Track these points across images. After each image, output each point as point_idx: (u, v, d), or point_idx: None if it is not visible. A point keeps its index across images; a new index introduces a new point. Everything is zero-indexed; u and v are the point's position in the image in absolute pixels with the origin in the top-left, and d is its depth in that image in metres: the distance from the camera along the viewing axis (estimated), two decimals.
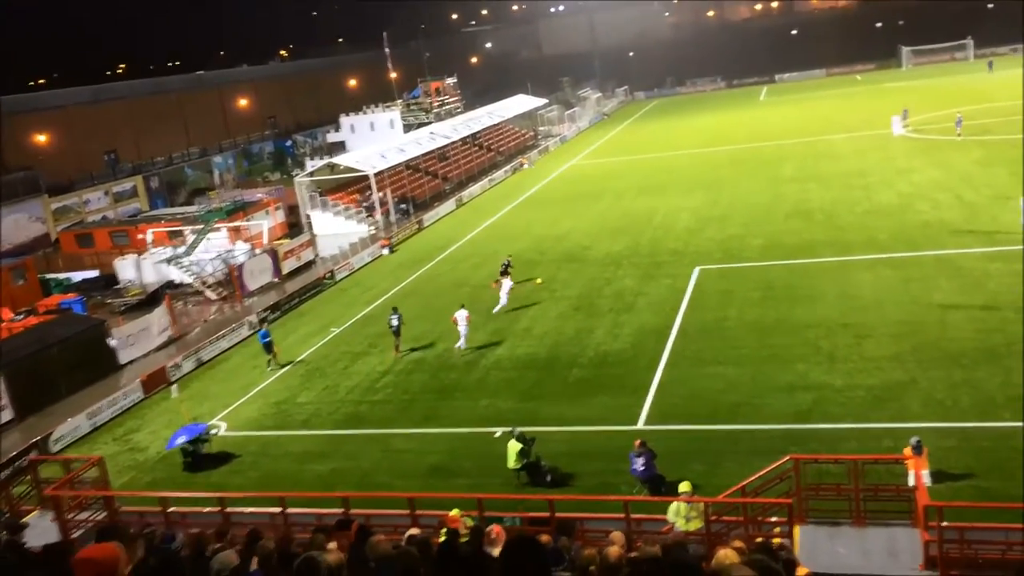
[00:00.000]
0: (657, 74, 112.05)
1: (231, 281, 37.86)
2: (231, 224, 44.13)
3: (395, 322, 27.40)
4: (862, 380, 20.72)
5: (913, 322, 23.68)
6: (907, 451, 14.96)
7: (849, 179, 42.50)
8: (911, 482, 14.32)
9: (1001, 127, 49.96)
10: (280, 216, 50.06)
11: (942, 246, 29.87)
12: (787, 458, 14.19)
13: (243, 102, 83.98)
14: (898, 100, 66.46)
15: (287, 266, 40.88)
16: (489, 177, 59.60)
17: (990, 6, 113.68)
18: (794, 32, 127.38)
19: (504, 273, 31.10)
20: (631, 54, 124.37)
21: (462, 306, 27.45)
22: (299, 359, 28.84)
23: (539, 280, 32.65)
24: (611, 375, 23.57)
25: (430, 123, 68.99)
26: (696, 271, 31.40)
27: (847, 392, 20.24)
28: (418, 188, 55.13)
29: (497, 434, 20.42)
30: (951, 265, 27.87)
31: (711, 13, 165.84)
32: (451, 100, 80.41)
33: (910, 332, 23.03)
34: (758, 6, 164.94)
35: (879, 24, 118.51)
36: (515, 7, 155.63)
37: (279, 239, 45.49)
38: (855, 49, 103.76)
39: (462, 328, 26.55)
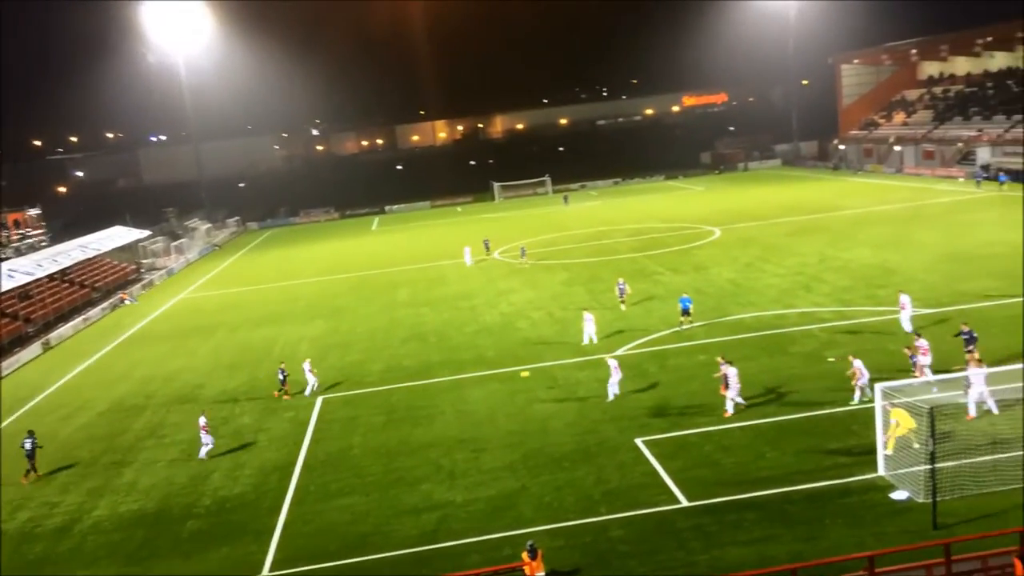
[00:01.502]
0: (270, 204, 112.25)
1: None
2: None
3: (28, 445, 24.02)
4: (481, 493, 21.63)
5: (521, 432, 25.50)
6: (524, 556, 15.74)
7: (458, 302, 45.52)
8: None
9: (578, 252, 57.57)
10: None
11: (541, 359, 32.90)
12: None
13: None
14: (491, 229, 73.64)
15: None
16: (84, 316, 53.89)
17: (560, 149, 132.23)
18: (399, 167, 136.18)
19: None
20: (241, 184, 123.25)
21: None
22: None
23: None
24: (231, 522, 21.88)
25: (6, 259, 61.19)
26: (319, 401, 30.93)
27: (468, 507, 20.94)
28: None
29: None
30: (549, 376, 30.74)
31: (320, 147, 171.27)
32: (34, 233, 72.39)
33: (520, 441, 24.73)
34: (364, 142, 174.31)
35: (473, 162, 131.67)
36: (110, 134, 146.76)
37: None
38: (455, 183, 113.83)
39: None
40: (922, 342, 25.48)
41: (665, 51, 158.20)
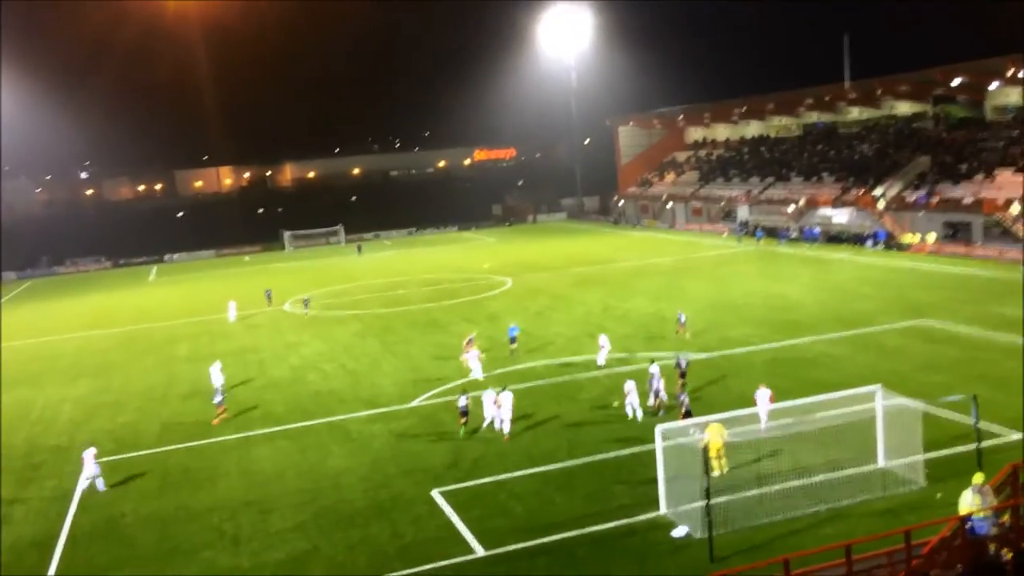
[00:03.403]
0: (30, 253, 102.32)
1: None
2: None
3: None
4: (269, 557, 20.49)
5: (312, 489, 24.53)
6: None
7: (244, 355, 43.45)
8: None
9: (371, 302, 57.01)
10: None
11: (332, 413, 31.98)
12: None
13: None
14: (282, 279, 71.46)
15: None
16: None
17: (353, 199, 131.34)
18: (181, 214, 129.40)
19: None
20: None
21: None
22: None
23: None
24: None
25: None
26: None
27: (255, 573, 19.76)
28: None
29: None
30: (341, 430, 29.92)
31: (90, 192, 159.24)
32: None
33: (310, 500, 23.76)
34: (141, 187, 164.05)
35: (261, 210, 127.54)
36: None
37: None
38: (242, 232, 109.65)
39: None
40: (654, 368, 29.02)
41: (456, 106, 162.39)
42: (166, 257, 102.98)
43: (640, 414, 27.98)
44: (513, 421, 27.79)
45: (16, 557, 21.83)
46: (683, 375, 30.10)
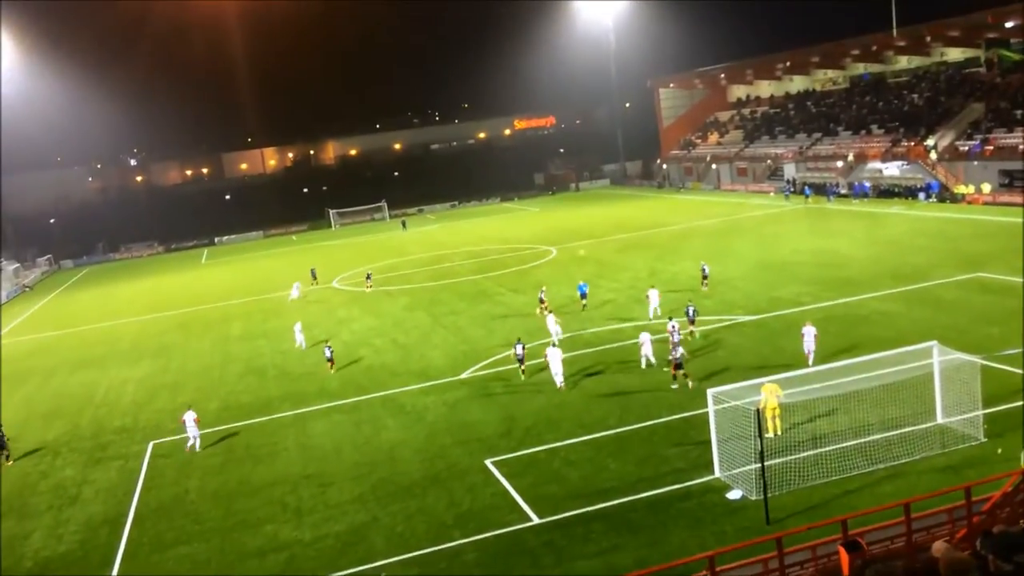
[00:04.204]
0: (86, 241, 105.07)
1: None
2: None
3: None
4: (330, 528, 21.00)
5: (369, 462, 25.00)
6: None
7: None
8: None
9: (418, 276, 57.44)
10: None
11: (385, 387, 32.43)
12: None
13: None
14: (329, 256, 72.35)
15: None
16: None
17: (395, 174, 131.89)
18: (228, 196, 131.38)
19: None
20: (52, 220, 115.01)
21: None
22: None
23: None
24: None
25: None
26: (150, 446, 29.10)
27: (317, 544, 20.28)
28: None
29: None
30: (395, 404, 30.36)
31: (140, 178, 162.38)
32: None
33: (367, 472, 24.23)
34: (188, 171, 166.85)
35: (305, 189, 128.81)
36: None
37: None
38: (288, 212, 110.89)
39: None
40: (673, 324, 30.71)
41: (494, 76, 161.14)
42: (216, 240, 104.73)
43: (654, 362, 29.53)
44: (565, 378, 29.35)
45: (89, 534, 22.71)
46: (692, 321, 33.61)
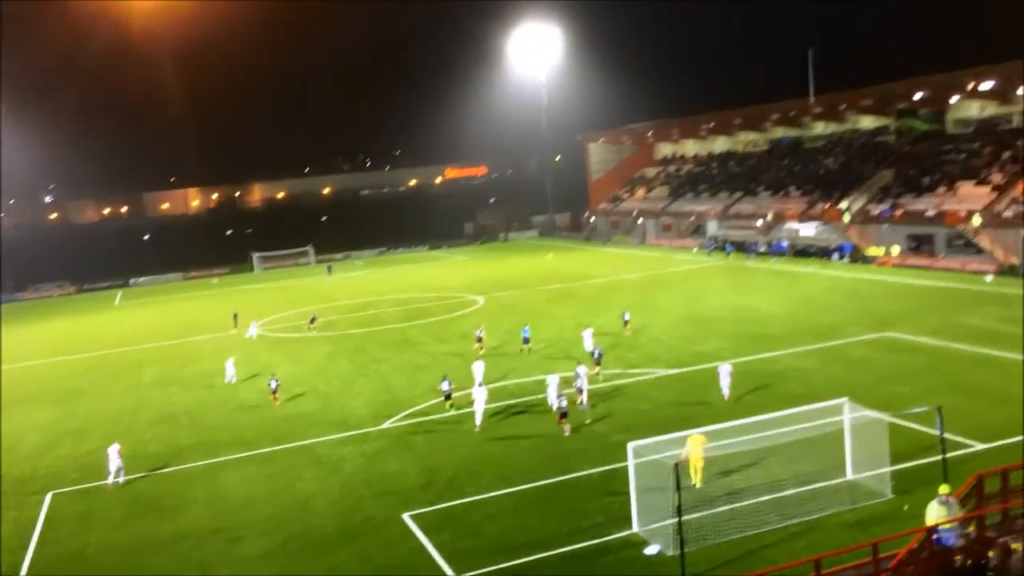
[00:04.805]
0: None
1: None
2: None
3: None
4: None
5: (282, 515, 24.18)
6: None
7: (213, 379, 42.85)
8: None
9: (343, 323, 56.64)
10: None
11: (303, 436, 31.60)
12: None
13: None
14: (251, 301, 70.83)
15: None
16: None
17: (323, 219, 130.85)
18: (147, 237, 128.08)
19: None
20: None
21: None
22: None
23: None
24: None
25: None
26: (49, 497, 27.60)
27: None
28: None
29: None
30: (311, 454, 29.57)
31: (54, 215, 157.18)
32: None
33: (279, 526, 23.42)
34: (106, 210, 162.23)
35: (229, 232, 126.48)
36: None
37: None
38: (210, 254, 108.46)
39: None
40: (582, 369, 32.30)
41: (428, 124, 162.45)
42: (132, 281, 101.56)
43: (564, 403, 29.35)
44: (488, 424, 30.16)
45: None
46: (598, 363, 35.66)
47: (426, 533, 21.97)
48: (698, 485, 22.47)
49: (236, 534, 23.18)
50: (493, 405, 31.98)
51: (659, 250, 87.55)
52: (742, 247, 76.19)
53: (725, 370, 31.25)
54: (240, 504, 25.46)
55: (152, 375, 45.86)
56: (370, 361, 43.88)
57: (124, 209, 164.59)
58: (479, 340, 43.25)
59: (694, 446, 22.37)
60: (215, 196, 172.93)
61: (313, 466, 28.29)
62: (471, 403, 30.97)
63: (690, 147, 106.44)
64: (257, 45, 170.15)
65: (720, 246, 78.51)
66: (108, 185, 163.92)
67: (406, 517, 23.11)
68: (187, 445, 32.03)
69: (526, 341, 42.50)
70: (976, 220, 58.50)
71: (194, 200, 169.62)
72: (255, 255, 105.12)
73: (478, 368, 35.42)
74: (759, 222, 78.60)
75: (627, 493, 21.22)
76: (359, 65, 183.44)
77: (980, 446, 24.26)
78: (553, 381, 31.71)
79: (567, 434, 28.38)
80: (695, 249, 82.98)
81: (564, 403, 29.05)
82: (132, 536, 23.83)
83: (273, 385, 36.62)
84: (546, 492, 24.07)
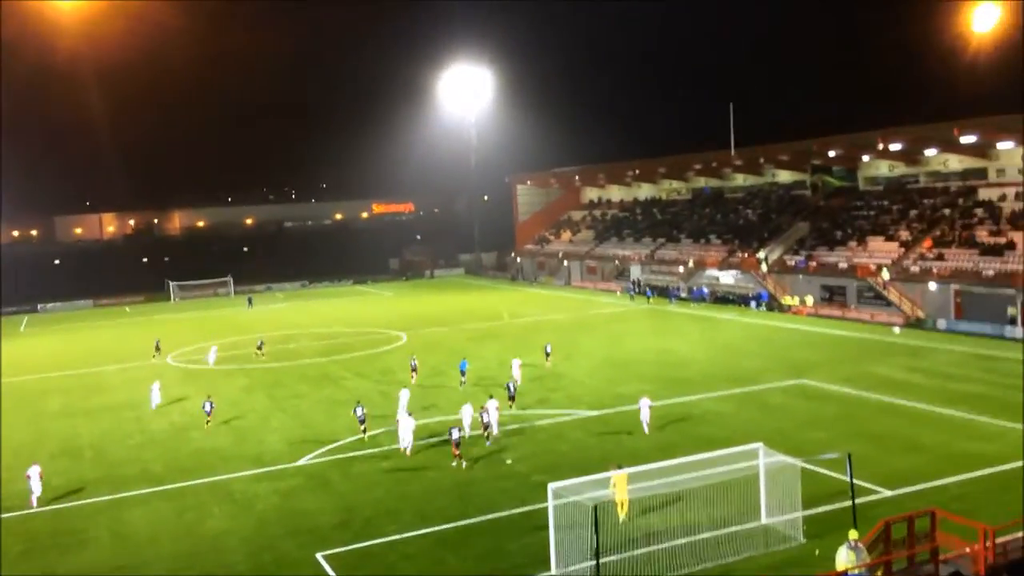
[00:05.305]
0: None
1: None
2: None
3: None
4: None
5: (190, 554, 23.27)
6: None
7: (121, 411, 41.27)
8: None
9: (261, 356, 55.28)
10: None
11: (215, 472, 30.60)
12: None
13: None
14: (167, 331, 68.62)
15: None
16: None
17: (245, 249, 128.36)
18: (57, 261, 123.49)
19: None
20: None
21: None
22: None
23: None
24: None
25: None
26: None
27: None
28: None
29: None
30: (223, 490, 28.62)
31: None
32: None
33: (186, 565, 22.52)
34: (15, 232, 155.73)
35: (145, 259, 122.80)
36: None
37: None
38: (124, 281, 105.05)
39: None
40: (492, 403, 33.06)
41: (355, 158, 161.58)
42: (39, 306, 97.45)
43: (468, 433, 32.04)
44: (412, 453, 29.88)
45: None
46: (512, 398, 36.97)
47: (339, 573, 21.44)
48: (623, 518, 22.84)
49: (140, 572, 22.20)
50: (417, 442, 31.60)
51: (583, 292, 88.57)
52: (664, 292, 77.67)
53: (645, 404, 32.99)
54: (146, 541, 24.40)
55: (57, 405, 43.90)
56: (288, 396, 42.95)
57: (34, 232, 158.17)
58: (414, 370, 44.52)
59: (620, 484, 22.71)
60: (132, 222, 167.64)
61: (225, 503, 27.38)
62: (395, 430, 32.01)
63: (616, 192, 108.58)
64: (184, 70, 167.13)
65: (642, 290, 79.88)
66: (17, 207, 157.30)
67: (320, 557, 22.50)
68: (91, 479, 30.63)
69: (463, 374, 43.19)
70: (885, 274, 61.04)
71: (109, 225, 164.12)
72: (172, 284, 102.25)
73: (404, 396, 35.76)
74: (681, 268, 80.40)
75: (547, 533, 21.15)
76: (287, 95, 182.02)
77: (887, 492, 25.05)
78: (467, 412, 33.13)
79: (463, 466, 29.28)
80: (618, 292, 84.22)
81: (456, 435, 30.10)
82: (30, 574, 22.55)
83: (208, 408, 36.96)
84: (466, 532, 23.81)
